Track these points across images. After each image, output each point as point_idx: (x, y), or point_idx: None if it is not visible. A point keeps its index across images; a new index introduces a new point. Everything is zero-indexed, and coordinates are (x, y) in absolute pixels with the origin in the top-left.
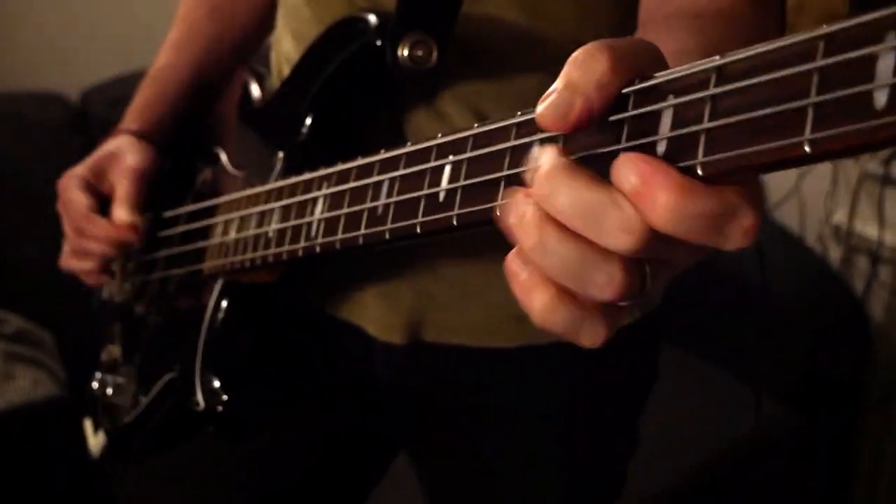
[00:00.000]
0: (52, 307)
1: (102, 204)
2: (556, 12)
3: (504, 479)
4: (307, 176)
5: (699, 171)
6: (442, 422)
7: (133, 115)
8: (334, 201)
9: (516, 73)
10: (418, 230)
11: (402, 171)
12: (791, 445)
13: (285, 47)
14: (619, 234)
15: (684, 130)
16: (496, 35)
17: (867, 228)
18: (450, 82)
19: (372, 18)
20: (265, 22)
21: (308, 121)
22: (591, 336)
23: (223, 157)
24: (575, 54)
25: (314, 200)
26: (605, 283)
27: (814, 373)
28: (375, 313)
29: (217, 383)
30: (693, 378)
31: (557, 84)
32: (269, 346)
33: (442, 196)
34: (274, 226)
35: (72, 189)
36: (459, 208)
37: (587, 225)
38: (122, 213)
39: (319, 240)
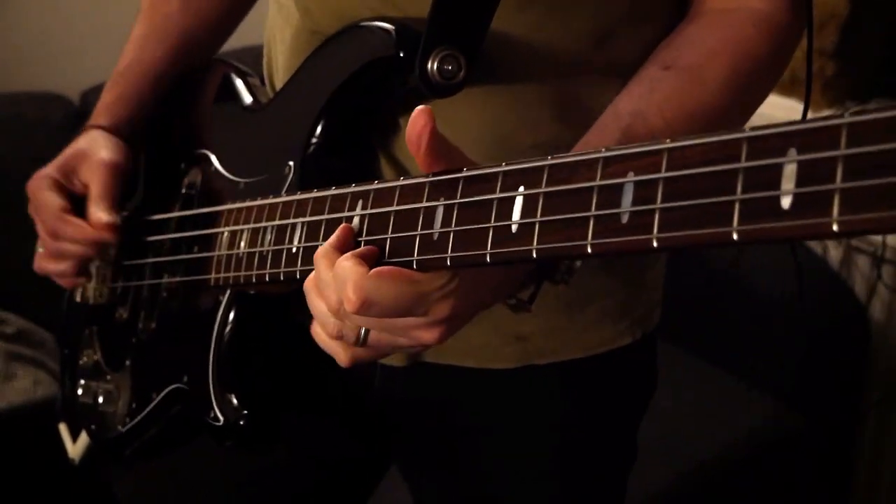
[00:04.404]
0: (53, 307)
1: (75, 203)
2: (561, 23)
3: (500, 498)
4: (336, 191)
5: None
6: (438, 440)
7: (101, 112)
8: (374, 222)
9: (529, 84)
10: (488, 259)
11: (461, 199)
12: (791, 445)
13: (277, 50)
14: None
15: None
16: (507, 47)
17: None
18: (468, 94)
19: (390, 28)
20: (237, 11)
21: (319, 130)
22: (336, 357)
23: (214, 159)
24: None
25: (349, 220)
26: (328, 328)
27: (814, 373)
28: None
29: (235, 399)
30: (693, 378)
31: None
32: (282, 357)
33: (515, 228)
34: (300, 243)
35: (42, 190)
36: (539, 243)
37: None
38: (98, 212)
39: None
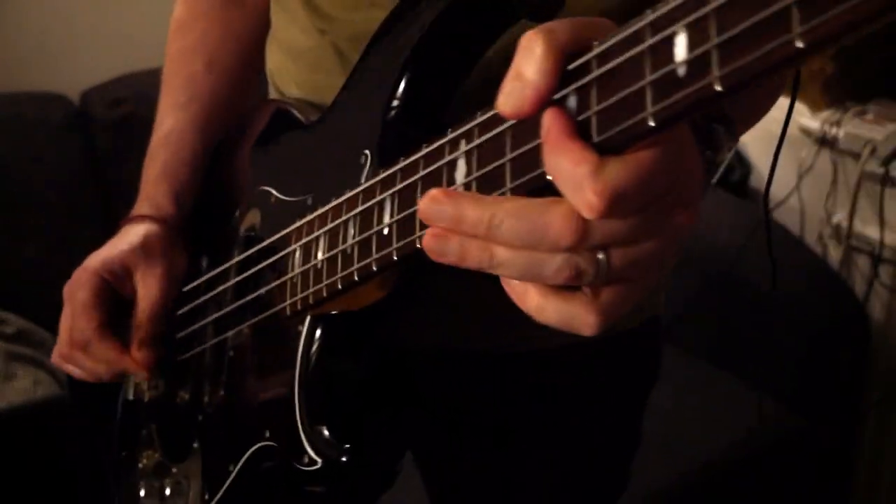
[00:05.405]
0: (53, 307)
1: (116, 305)
2: None
3: (507, 480)
4: (428, 148)
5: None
6: (446, 425)
7: (147, 196)
8: (486, 153)
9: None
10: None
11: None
12: (790, 446)
13: (275, 57)
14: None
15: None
16: None
17: (867, 229)
18: None
19: None
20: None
21: (400, 93)
22: (583, 325)
23: (273, 191)
24: (521, 41)
25: (451, 165)
26: (556, 273)
27: (814, 373)
28: None
29: (326, 432)
30: (693, 378)
31: (509, 73)
32: (371, 377)
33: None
34: (391, 218)
35: (86, 290)
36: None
37: (531, 244)
38: (141, 346)
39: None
